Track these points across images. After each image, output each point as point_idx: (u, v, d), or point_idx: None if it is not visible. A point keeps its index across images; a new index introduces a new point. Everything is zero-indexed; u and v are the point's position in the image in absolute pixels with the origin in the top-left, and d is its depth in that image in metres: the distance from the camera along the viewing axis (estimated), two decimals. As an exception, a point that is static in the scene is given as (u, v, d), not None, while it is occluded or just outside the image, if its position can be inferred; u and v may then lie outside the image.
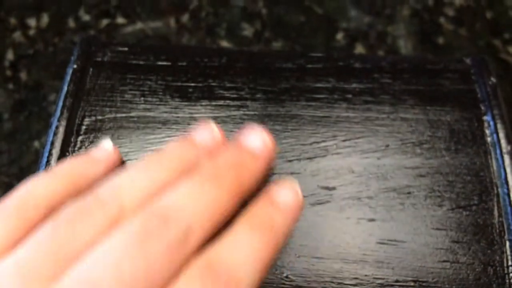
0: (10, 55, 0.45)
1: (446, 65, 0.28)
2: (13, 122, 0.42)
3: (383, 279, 0.22)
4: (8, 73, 0.45)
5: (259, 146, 0.18)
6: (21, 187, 0.17)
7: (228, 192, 0.16)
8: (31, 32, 0.47)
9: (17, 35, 0.46)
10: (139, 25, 0.47)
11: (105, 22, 0.48)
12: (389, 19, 0.48)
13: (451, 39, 0.48)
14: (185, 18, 0.47)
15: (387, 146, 0.25)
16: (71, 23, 0.48)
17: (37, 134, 0.42)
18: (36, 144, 0.41)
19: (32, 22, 0.48)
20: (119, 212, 0.15)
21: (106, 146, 0.20)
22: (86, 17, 0.48)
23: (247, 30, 0.47)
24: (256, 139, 0.18)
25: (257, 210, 0.16)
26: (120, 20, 0.48)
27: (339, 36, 0.47)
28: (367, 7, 0.49)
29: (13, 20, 0.48)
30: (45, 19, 0.48)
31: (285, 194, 0.17)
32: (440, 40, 0.47)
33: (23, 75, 0.44)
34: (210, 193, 0.16)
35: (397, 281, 0.22)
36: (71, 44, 0.46)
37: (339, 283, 0.22)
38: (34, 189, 0.17)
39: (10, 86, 0.44)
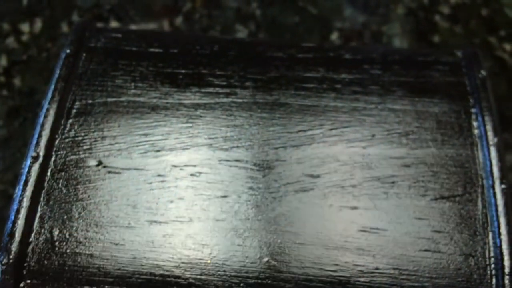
0: (3, 61, 0.45)
1: (437, 57, 0.28)
2: (7, 128, 0.42)
3: (363, 266, 0.22)
4: (2, 79, 0.44)
5: None
6: None
7: None
8: (24, 38, 0.47)
9: (10, 41, 0.46)
10: (133, 28, 0.47)
11: (98, 26, 0.47)
12: (384, 18, 0.48)
13: (447, 37, 0.48)
14: (178, 20, 0.47)
15: (373, 136, 0.25)
16: (64, 27, 0.47)
17: None
18: None
19: (25, 27, 0.47)
20: None
21: None
22: (75, 23, 0.47)
23: (241, 32, 0.47)
24: None
25: None
26: (113, 23, 0.47)
27: (334, 36, 0.47)
28: (361, 7, 0.49)
29: (6, 26, 0.47)
30: (38, 24, 0.47)
31: None
32: (436, 38, 0.47)
33: (16, 81, 0.44)
34: None
35: (377, 268, 0.22)
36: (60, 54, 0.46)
37: (319, 269, 0.22)
38: None
39: (4, 92, 0.44)
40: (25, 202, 0.23)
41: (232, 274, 0.22)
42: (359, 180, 0.24)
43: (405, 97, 0.26)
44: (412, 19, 0.48)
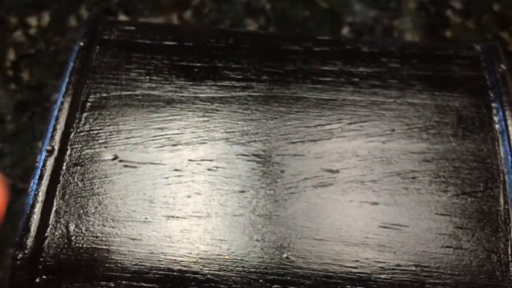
0: (11, 55, 0.45)
1: (456, 51, 0.28)
2: (15, 123, 0.41)
3: (384, 262, 0.22)
4: (10, 73, 0.44)
5: None
6: None
7: None
8: (32, 32, 0.46)
9: (18, 35, 0.46)
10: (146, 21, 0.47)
11: (111, 18, 0.47)
12: (395, 12, 0.48)
13: (459, 32, 0.47)
14: (187, 14, 0.47)
15: (393, 130, 0.25)
16: (72, 21, 0.47)
17: (41, 135, 0.41)
18: (40, 145, 0.41)
19: (33, 21, 0.47)
20: None
21: None
22: (87, 15, 0.47)
23: (251, 26, 0.46)
24: None
25: None
26: (121, 17, 0.47)
27: (345, 30, 0.46)
28: (372, 1, 0.48)
29: (13, 20, 0.47)
30: (46, 18, 0.47)
31: None
32: (448, 33, 0.47)
33: (25, 75, 0.44)
34: None
35: (398, 265, 0.22)
36: (72, 43, 0.45)
37: (339, 265, 0.22)
38: None
39: (12, 86, 0.43)
40: (41, 197, 0.23)
41: (251, 270, 0.22)
42: (379, 176, 0.24)
43: (424, 91, 0.26)
44: (424, 14, 0.48)
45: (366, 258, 0.22)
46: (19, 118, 0.42)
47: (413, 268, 0.22)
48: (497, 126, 0.25)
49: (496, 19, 0.47)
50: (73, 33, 0.46)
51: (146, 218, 0.23)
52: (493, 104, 0.26)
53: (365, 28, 0.46)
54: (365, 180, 0.24)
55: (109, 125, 0.25)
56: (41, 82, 0.43)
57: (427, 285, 0.22)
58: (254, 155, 0.24)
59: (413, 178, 0.24)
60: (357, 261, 0.22)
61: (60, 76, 0.43)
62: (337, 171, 0.24)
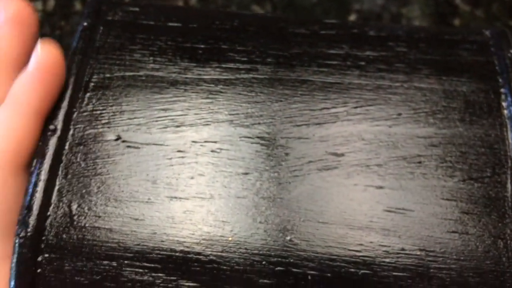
0: None
1: (465, 36, 0.27)
2: None
3: (389, 246, 0.22)
4: None
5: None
6: None
7: None
8: (37, 16, 0.46)
9: None
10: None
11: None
12: (403, 0, 0.47)
13: (467, 21, 0.46)
14: (193, 0, 0.46)
15: (399, 114, 0.24)
16: (78, 6, 0.47)
17: None
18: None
19: (38, 5, 0.46)
20: None
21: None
22: None
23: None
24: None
25: None
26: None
27: (352, 17, 0.46)
28: (380, -12, 0.48)
29: None
30: (51, 2, 0.46)
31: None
32: (456, 22, 0.46)
33: None
34: None
35: (403, 249, 0.22)
36: (77, 27, 0.45)
37: (343, 248, 0.22)
38: None
39: None
40: (43, 175, 0.23)
41: (254, 252, 0.22)
42: (384, 160, 0.23)
43: (432, 75, 0.26)
44: (432, 2, 0.47)
45: (371, 242, 0.22)
46: None
47: (418, 253, 0.22)
48: (505, 112, 0.25)
49: (505, 8, 0.46)
50: (78, 18, 0.46)
51: (149, 199, 0.23)
52: (502, 90, 0.25)
53: (372, 15, 0.46)
54: (371, 164, 0.23)
55: (112, 106, 0.25)
56: None
57: (431, 270, 0.21)
58: (258, 137, 0.24)
59: (419, 162, 0.23)
60: (361, 244, 0.22)
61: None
62: (342, 155, 0.24)
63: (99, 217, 0.22)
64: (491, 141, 0.24)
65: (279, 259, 0.22)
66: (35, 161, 0.23)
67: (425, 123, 0.24)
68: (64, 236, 0.22)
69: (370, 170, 0.23)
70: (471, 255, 0.22)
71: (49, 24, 0.45)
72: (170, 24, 0.27)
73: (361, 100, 0.25)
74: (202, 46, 0.26)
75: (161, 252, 0.22)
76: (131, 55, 0.26)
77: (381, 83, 0.25)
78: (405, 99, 0.25)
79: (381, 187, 0.23)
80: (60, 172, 0.23)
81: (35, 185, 0.22)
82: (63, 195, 0.23)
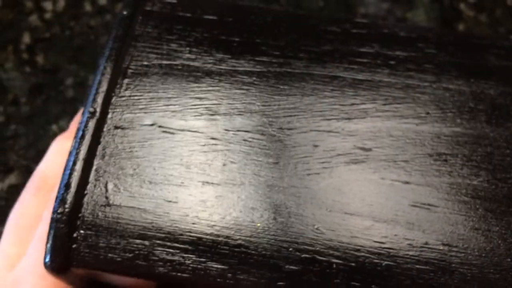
0: (26, 39, 0.45)
1: (493, 41, 0.28)
2: (30, 105, 0.42)
3: (413, 240, 0.22)
4: (25, 56, 0.44)
5: None
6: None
7: None
8: (47, 16, 0.46)
9: (33, 19, 0.46)
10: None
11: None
12: (409, 4, 0.48)
13: (472, 26, 0.47)
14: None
15: (428, 113, 0.25)
16: (88, 6, 0.47)
17: (55, 118, 0.41)
18: (54, 128, 0.41)
19: (48, 5, 0.47)
20: None
21: None
22: (102, 1, 0.47)
23: None
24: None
25: None
26: None
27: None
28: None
29: (29, 4, 0.47)
30: (61, 2, 0.47)
31: None
32: (461, 26, 0.46)
33: (40, 59, 0.44)
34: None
35: (426, 243, 0.22)
36: (87, 28, 0.46)
37: (368, 239, 0.22)
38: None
39: (27, 69, 0.44)
40: (82, 155, 0.24)
41: (281, 238, 0.23)
42: (411, 156, 0.24)
43: (460, 77, 0.26)
44: (437, 6, 0.48)
45: (395, 235, 0.22)
46: (34, 100, 0.42)
47: (441, 247, 0.22)
48: (531, 116, 0.25)
49: (509, 13, 0.46)
50: (88, 18, 0.46)
51: (182, 183, 0.23)
52: (529, 94, 0.26)
53: (378, 19, 0.46)
54: (398, 159, 0.24)
55: (149, 92, 0.26)
56: (55, 66, 0.44)
57: (453, 265, 0.22)
58: (288, 129, 0.25)
59: (445, 160, 0.24)
60: (386, 236, 0.22)
61: (75, 61, 0.43)
62: (370, 149, 0.24)
63: (134, 197, 0.23)
64: (516, 144, 0.24)
65: (306, 246, 0.22)
66: (74, 141, 0.24)
67: (452, 122, 0.25)
68: (99, 214, 0.23)
69: (397, 166, 0.24)
70: (492, 252, 0.22)
71: (59, 24, 0.45)
72: (206, 17, 0.28)
73: (390, 97, 0.26)
74: (237, 39, 0.27)
75: (192, 234, 0.23)
76: (168, 44, 0.27)
77: (410, 82, 0.26)
78: (433, 99, 0.26)
79: (407, 182, 0.23)
80: (98, 153, 0.24)
81: (74, 163, 0.23)
82: (100, 175, 0.24)
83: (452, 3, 0.47)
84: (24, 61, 0.44)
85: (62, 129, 0.41)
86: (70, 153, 0.24)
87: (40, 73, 0.43)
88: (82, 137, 0.24)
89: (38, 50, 0.44)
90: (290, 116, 0.25)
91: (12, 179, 0.40)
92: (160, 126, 0.25)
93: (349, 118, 0.25)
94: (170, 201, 0.23)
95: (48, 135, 0.41)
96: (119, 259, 0.22)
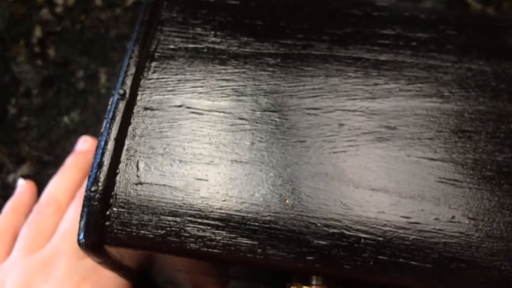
0: (38, 32, 0.45)
1: (511, 22, 0.28)
2: (42, 97, 0.43)
3: (439, 214, 0.23)
4: (37, 49, 0.45)
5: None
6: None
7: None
8: (58, 10, 0.47)
9: (44, 13, 0.46)
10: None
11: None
12: None
13: None
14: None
15: (451, 92, 0.26)
16: (98, 1, 0.47)
17: (66, 110, 0.42)
18: (66, 119, 0.42)
19: (59, 0, 0.48)
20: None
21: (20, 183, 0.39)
22: None
23: None
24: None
25: None
26: None
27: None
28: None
29: None
30: None
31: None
32: None
33: (51, 52, 0.45)
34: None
35: (453, 217, 0.23)
36: (97, 21, 0.46)
37: (395, 215, 0.23)
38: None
39: (39, 62, 0.44)
40: (113, 135, 0.24)
41: (309, 214, 0.23)
42: (436, 134, 0.24)
43: (481, 58, 0.27)
44: None
45: (422, 210, 0.23)
46: (45, 92, 0.43)
47: (467, 222, 0.23)
48: (553, 94, 0.25)
49: None
50: (98, 12, 0.47)
51: (212, 161, 0.24)
52: (550, 73, 0.26)
53: (398, 3, 0.47)
54: (422, 137, 0.24)
55: (176, 75, 0.26)
56: (66, 59, 0.44)
57: (479, 238, 0.22)
58: (314, 108, 0.25)
59: (469, 137, 0.24)
60: (412, 212, 0.23)
61: (85, 54, 0.44)
62: (395, 128, 0.25)
63: (165, 176, 0.24)
64: (539, 121, 0.25)
65: (333, 221, 0.23)
66: (105, 121, 0.25)
67: (475, 101, 0.25)
68: (131, 192, 0.23)
69: (422, 143, 0.24)
70: (518, 226, 0.23)
71: (70, 18, 0.46)
72: (230, 1, 0.29)
73: (413, 77, 0.26)
74: (260, 22, 0.28)
75: (223, 211, 0.23)
76: (193, 29, 0.27)
77: (432, 62, 0.26)
78: (455, 78, 0.26)
79: (432, 159, 0.24)
80: (128, 134, 0.24)
81: (106, 143, 0.24)
82: (131, 154, 0.24)
83: (460, -4, 0.48)
84: (35, 54, 0.44)
85: (73, 121, 0.41)
86: (101, 134, 0.24)
87: (52, 66, 0.44)
88: (113, 118, 0.25)
89: (50, 44, 0.45)
90: (315, 96, 0.26)
91: (24, 169, 0.40)
92: (188, 107, 0.25)
93: (373, 98, 0.25)
94: (200, 179, 0.24)
95: (59, 127, 0.41)
96: (151, 235, 0.23)
